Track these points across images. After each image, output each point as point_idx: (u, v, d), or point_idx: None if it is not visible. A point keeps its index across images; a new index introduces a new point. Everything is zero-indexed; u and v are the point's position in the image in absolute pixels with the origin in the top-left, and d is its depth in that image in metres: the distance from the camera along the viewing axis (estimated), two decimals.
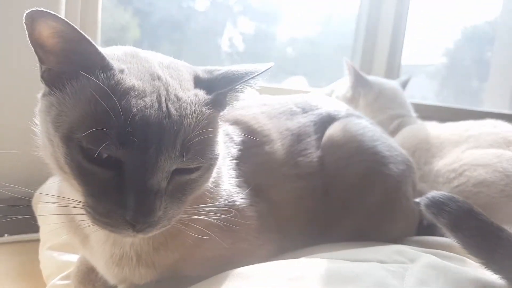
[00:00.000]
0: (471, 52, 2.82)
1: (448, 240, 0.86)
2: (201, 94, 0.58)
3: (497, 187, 0.96)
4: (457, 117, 1.65)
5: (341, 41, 2.33)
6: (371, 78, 1.61)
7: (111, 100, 0.48)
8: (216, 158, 0.58)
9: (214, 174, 0.63)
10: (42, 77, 0.55)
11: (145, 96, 0.51)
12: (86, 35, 0.51)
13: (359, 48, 2.20)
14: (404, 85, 1.68)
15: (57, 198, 0.67)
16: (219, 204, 0.64)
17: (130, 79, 0.52)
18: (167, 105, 0.52)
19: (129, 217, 0.49)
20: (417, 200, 0.71)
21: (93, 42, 0.51)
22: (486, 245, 0.64)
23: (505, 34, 2.63)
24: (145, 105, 0.50)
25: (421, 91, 2.71)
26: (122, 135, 0.47)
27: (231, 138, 0.76)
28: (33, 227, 1.07)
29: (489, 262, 0.63)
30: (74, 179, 0.52)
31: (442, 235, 0.91)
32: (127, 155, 0.48)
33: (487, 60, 2.81)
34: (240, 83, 0.59)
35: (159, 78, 0.56)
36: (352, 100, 1.56)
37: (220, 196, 0.66)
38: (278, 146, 0.80)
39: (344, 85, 1.64)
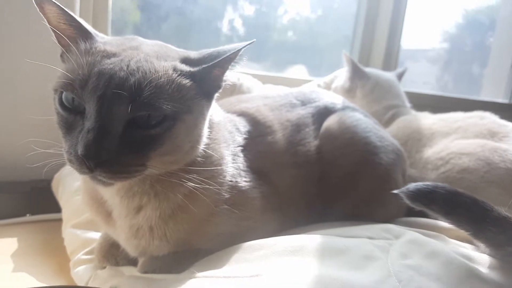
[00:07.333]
0: (473, 37, 2.73)
1: (432, 221, 0.92)
2: (181, 66, 0.62)
3: (478, 173, 1.02)
4: (455, 106, 1.67)
5: (341, 24, 2.27)
6: (368, 70, 1.63)
7: (83, 59, 0.58)
8: (180, 121, 0.60)
9: (210, 154, 0.68)
10: (60, 56, 0.65)
11: (113, 57, 0.59)
12: (76, 16, 0.62)
13: (359, 31, 2.16)
14: (400, 76, 1.70)
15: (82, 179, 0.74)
16: (207, 170, 0.67)
17: (105, 46, 0.61)
18: (129, 63, 0.57)
19: (79, 151, 0.53)
20: (395, 191, 0.72)
21: (80, 20, 0.63)
22: (475, 217, 0.68)
23: (504, 21, 2.56)
24: (108, 61, 0.57)
25: (422, 76, 2.63)
26: (82, 82, 0.56)
27: (237, 128, 0.82)
28: (53, 207, 1.12)
29: (478, 231, 0.68)
30: (57, 125, 0.60)
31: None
32: (86, 99, 0.56)
33: (489, 46, 2.73)
34: (222, 58, 0.62)
35: (136, 49, 0.62)
36: (349, 91, 1.58)
37: (222, 176, 0.71)
38: (280, 136, 0.86)
39: (342, 76, 1.66)
